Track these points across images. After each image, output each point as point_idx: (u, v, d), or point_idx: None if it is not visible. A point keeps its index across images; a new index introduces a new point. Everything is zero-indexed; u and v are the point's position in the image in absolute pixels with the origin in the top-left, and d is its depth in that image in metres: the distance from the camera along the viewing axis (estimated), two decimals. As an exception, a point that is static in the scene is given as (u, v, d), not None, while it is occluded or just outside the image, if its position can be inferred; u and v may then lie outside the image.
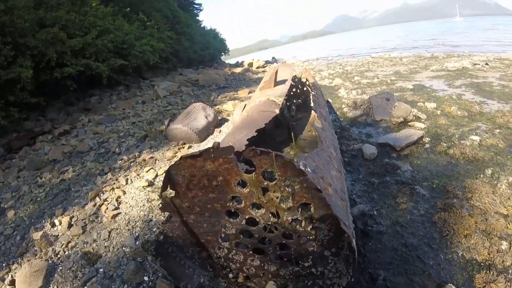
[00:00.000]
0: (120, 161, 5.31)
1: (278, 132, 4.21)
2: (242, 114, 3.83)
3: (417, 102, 6.28)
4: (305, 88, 5.09)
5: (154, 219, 3.56)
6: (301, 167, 1.50)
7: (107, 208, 3.92)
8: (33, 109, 8.63)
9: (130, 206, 3.92)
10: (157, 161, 5.15)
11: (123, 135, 6.71)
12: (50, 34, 8.63)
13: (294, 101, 4.97)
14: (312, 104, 3.46)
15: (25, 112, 8.03)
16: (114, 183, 4.53)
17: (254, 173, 1.70)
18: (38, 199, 4.54)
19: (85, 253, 3.24)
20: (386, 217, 3.03)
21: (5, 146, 6.98)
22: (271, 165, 1.62)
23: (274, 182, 1.69)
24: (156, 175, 4.59)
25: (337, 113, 6.33)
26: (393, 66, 12.28)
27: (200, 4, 36.04)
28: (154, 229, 3.38)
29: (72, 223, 3.78)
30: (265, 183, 1.71)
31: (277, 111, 3.44)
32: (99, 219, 3.79)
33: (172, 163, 1.85)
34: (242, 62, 27.12)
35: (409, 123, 5.19)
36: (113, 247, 3.27)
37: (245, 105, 4.69)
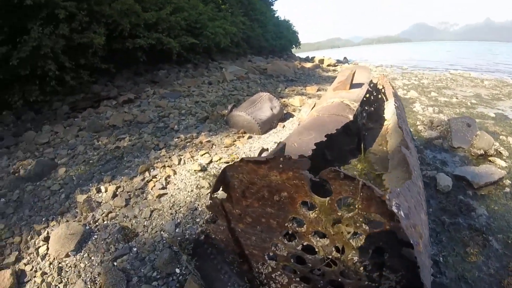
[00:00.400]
0: (176, 139, 5.25)
1: (345, 139, 3.82)
2: (312, 113, 3.50)
3: (499, 135, 5.44)
4: (379, 96, 4.61)
5: (200, 209, 3.40)
6: (394, 209, 1.17)
7: (154, 186, 3.85)
8: (103, 74, 9.07)
9: (178, 188, 3.81)
10: (213, 146, 5.01)
11: (184, 112, 6.71)
12: (125, 5, 8.99)
13: (366, 108, 4.52)
14: (396, 118, 3.04)
15: (94, 76, 8.51)
16: (166, 161, 4.47)
17: (328, 198, 1.40)
18: (91, 161, 4.63)
19: (123, 228, 3.18)
20: (452, 268, 2.57)
21: (70, 105, 7.38)
22: (353, 195, 1.30)
23: (350, 215, 1.38)
24: (211, 161, 4.42)
25: (411, 129, 5.72)
26: (474, 88, 11.04)
27: (275, -7, 35.72)
28: (198, 219, 3.23)
29: (117, 193, 3.77)
30: (339, 214, 1.41)
31: (351, 117, 3.08)
32: (144, 195, 3.73)
33: (230, 161, 1.61)
34: (313, 57, 26.40)
35: (489, 158, 4.50)
36: (151, 228, 3.18)
37: (315, 103, 4.36)
